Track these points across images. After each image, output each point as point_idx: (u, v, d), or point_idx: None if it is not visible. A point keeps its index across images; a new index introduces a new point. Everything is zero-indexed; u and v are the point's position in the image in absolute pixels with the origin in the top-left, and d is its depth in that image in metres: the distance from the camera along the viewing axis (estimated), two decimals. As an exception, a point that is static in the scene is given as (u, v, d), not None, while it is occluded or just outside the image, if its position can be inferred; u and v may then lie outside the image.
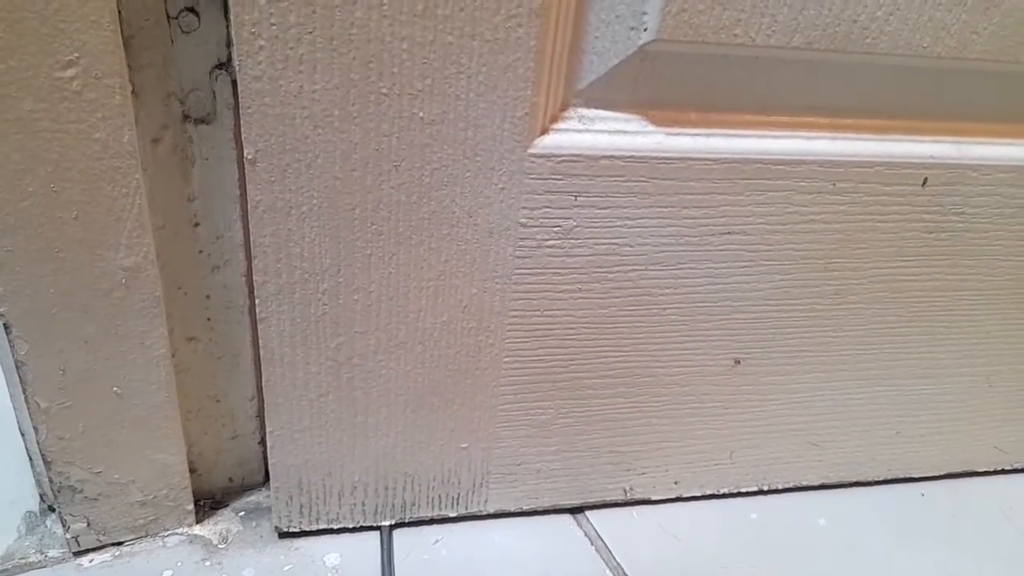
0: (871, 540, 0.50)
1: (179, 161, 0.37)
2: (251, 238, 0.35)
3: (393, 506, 0.45)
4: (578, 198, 0.38)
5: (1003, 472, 0.58)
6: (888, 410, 0.52)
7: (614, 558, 0.46)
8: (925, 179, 0.42)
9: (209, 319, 0.42)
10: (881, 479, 0.55)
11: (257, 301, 0.37)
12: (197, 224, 0.39)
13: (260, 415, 0.46)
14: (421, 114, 0.34)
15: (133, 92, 0.34)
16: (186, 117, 0.36)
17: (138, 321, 0.38)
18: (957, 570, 0.49)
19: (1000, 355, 0.52)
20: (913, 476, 0.56)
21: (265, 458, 0.48)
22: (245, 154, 0.33)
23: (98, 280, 0.36)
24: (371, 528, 0.46)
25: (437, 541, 0.46)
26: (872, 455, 0.54)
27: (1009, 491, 0.56)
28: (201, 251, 0.40)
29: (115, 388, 0.39)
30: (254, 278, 0.36)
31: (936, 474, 0.56)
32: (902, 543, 0.50)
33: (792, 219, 0.41)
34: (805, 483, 0.54)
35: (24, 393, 0.38)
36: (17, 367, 0.37)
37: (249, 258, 0.40)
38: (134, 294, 0.37)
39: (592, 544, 0.47)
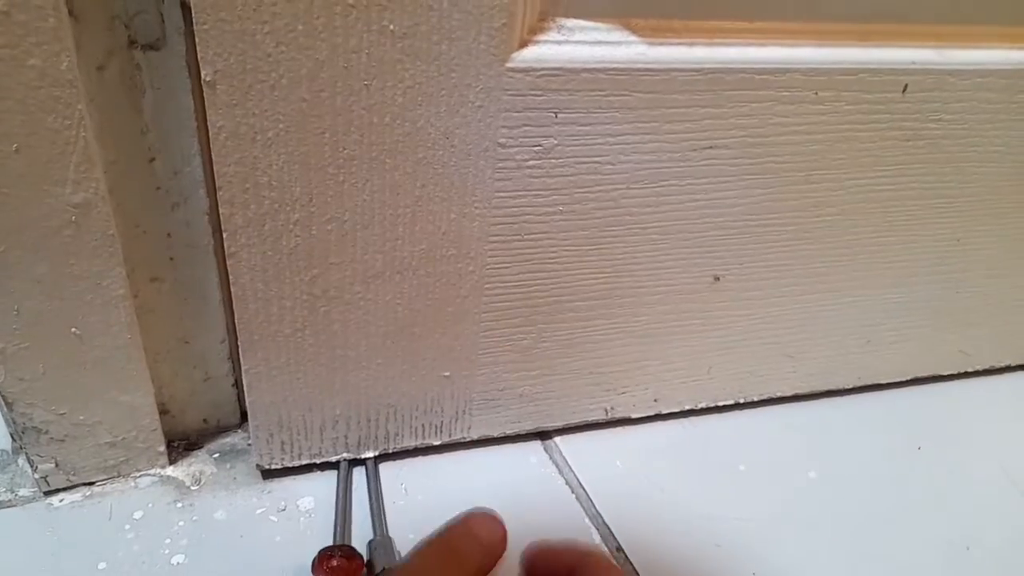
0: (863, 496, 0.49)
1: (128, 91, 0.34)
2: (215, 167, 0.33)
3: (376, 437, 0.45)
4: (558, 115, 0.36)
5: (966, 375, 0.60)
6: (860, 319, 0.53)
7: (594, 506, 0.46)
8: (905, 86, 0.41)
9: (172, 259, 0.40)
10: (851, 387, 0.57)
11: (225, 235, 0.35)
12: (152, 159, 0.36)
13: (232, 358, 0.45)
14: (391, 27, 0.31)
15: (72, 15, 0.31)
16: (132, 43, 0.33)
17: (92, 260, 0.36)
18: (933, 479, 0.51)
19: (968, 261, 0.52)
20: (881, 383, 0.57)
21: (240, 400, 0.47)
22: (203, 76, 0.30)
23: (47, 217, 0.34)
24: (357, 463, 0.46)
25: (403, 483, 0.46)
26: (843, 364, 0.55)
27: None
28: (159, 187, 0.37)
29: (73, 329, 0.37)
30: (220, 210, 0.34)
31: (903, 379, 0.58)
32: (890, 488, 0.50)
33: (774, 131, 0.40)
34: (779, 394, 0.55)
35: (-21, 335, 0.36)
36: (-31, 308, 0.35)
37: (211, 195, 0.38)
38: (85, 232, 0.35)
39: (573, 493, 0.47)
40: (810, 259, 0.47)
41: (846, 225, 0.47)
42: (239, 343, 0.39)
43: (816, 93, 0.40)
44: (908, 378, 0.58)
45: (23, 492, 0.43)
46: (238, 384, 0.46)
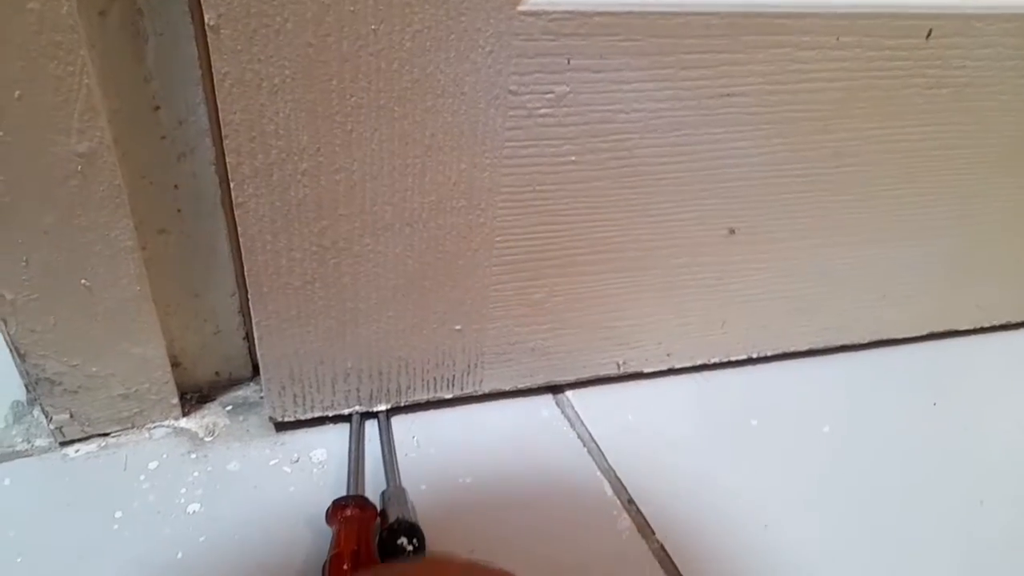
0: (878, 451, 0.49)
1: (130, 37, 0.34)
2: (220, 116, 0.32)
3: (388, 391, 0.45)
4: (571, 61, 0.35)
5: (982, 330, 0.59)
6: (876, 273, 0.52)
7: (606, 460, 0.46)
8: (930, 31, 0.40)
9: (179, 210, 0.39)
10: (866, 342, 0.56)
11: (232, 185, 0.34)
12: (157, 108, 0.36)
13: (243, 311, 0.45)
14: (399, -32, 0.30)
15: (70, -43, 0.30)
16: (133, -15, 0.33)
17: (99, 211, 0.35)
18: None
19: (987, 215, 0.51)
20: (896, 338, 0.57)
21: (251, 354, 0.47)
22: (207, 20, 0.29)
23: (51, 167, 0.33)
24: (369, 416, 0.46)
25: (415, 436, 0.46)
26: (858, 319, 0.54)
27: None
28: (164, 137, 0.37)
29: (83, 281, 0.37)
30: (227, 160, 0.33)
31: (919, 334, 0.57)
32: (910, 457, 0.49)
33: (793, 78, 0.39)
34: (793, 349, 0.54)
35: (-12, 285, 0.36)
36: (-24, 258, 0.34)
37: (217, 144, 0.37)
38: (92, 182, 0.34)
39: (585, 446, 0.46)
40: (827, 211, 0.47)
41: (865, 176, 0.45)
42: (249, 296, 0.38)
43: (837, 38, 0.38)
44: (924, 333, 0.57)
45: (39, 442, 0.43)
46: (249, 337, 0.46)
